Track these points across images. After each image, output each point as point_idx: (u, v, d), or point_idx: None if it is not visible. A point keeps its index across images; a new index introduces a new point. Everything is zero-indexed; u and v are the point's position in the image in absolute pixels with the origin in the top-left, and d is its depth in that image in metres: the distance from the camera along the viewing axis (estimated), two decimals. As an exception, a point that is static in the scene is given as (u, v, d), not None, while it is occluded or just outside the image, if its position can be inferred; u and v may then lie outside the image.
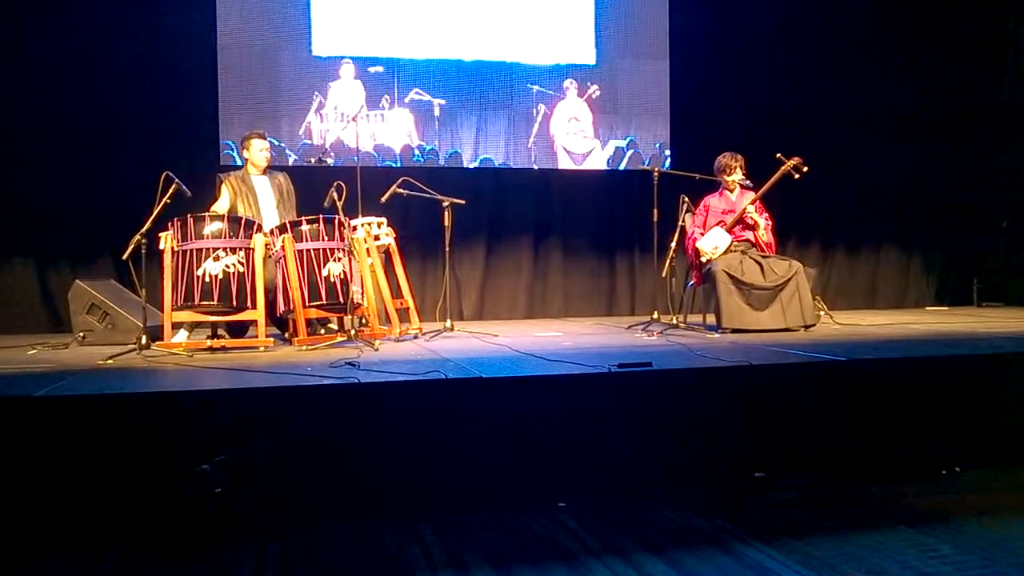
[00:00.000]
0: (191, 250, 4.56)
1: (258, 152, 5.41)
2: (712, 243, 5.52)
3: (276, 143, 6.73)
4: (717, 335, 5.17)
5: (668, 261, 5.71)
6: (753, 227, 5.61)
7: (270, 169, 5.54)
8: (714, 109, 7.62)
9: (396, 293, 5.51)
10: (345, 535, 2.86)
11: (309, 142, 6.97)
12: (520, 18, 7.37)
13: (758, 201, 5.59)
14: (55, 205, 6.41)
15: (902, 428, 3.63)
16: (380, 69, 7.11)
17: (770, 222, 5.66)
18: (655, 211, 5.91)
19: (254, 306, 4.68)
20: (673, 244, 5.72)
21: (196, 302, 4.55)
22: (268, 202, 5.41)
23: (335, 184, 5.10)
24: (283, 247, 4.76)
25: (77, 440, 2.96)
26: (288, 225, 4.84)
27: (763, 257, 5.49)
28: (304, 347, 4.64)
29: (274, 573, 2.57)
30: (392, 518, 2.98)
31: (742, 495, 3.26)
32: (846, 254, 8.13)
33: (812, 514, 3.03)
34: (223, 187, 5.37)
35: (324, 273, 4.74)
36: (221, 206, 5.28)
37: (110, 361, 4.19)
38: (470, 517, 3.00)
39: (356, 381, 3.29)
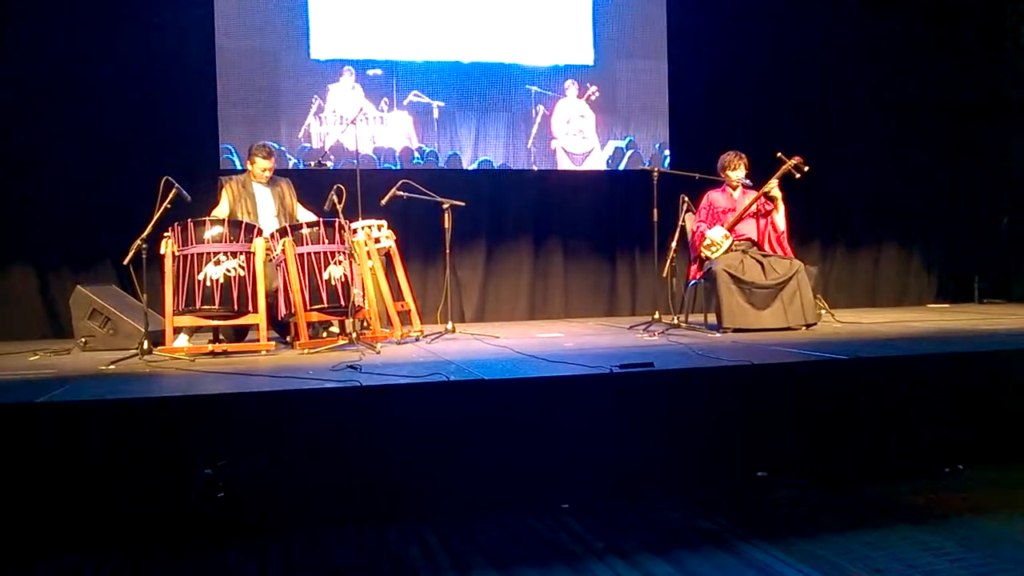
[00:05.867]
0: (192, 254, 4.57)
1: (260, 171, 5.40)
2: (720, 234, 5.53)
3: (276, 147, 6.72)
4: (718, 335, 5.17)
5: (669, 261, 5.71)
6: (767, 214, 5.62)
7: (273, 175, 5.52)
8: (713, 108, 7.62)
9: (397, 295, 5.51)
10: (348, 537, 2.86)
11: (308, 145, 6.98)
12: (518, 19, 7.37)
13: (762, 197, 5.61)
14: (55, 211, 6.41)
15: (904, 426, 3.63)
16: (379, 72, 7.11)
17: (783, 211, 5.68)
18: (655, 211, 5.91)
19: (255, 310, 4.69)
20: (674, 244, 5.72)
21: (197, 306, 4.55)
22: (267, 211, 5.40)
23: (335, 187, 5.11)
24: (284, 251, 4.76)
25: (80, 445, 2.97)
26: (288, 229, 4.84)
27: (764, 256, 5.50)
28: (306, 351, 4.64)
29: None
30: (395, 520, 2.98)
31: (745, 494, 3.26)
32: (847, 252, 8.13)
33: (815, 513, 3.02)
34: (223, 192, 5.38)
35: (325, 276, 4.74)
36: (220, 211, 5.28)
37: (112, 366, 4.19)
38: (473, 519, 3.00)
39: (358, 384, 3.29)
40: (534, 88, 7.44)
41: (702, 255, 5.63)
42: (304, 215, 5.51)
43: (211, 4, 6.76)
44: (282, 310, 4.87)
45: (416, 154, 7.22)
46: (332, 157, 6.87)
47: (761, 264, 5.40)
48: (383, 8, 7.12)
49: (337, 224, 4.87)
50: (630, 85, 7.61)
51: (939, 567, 2.45)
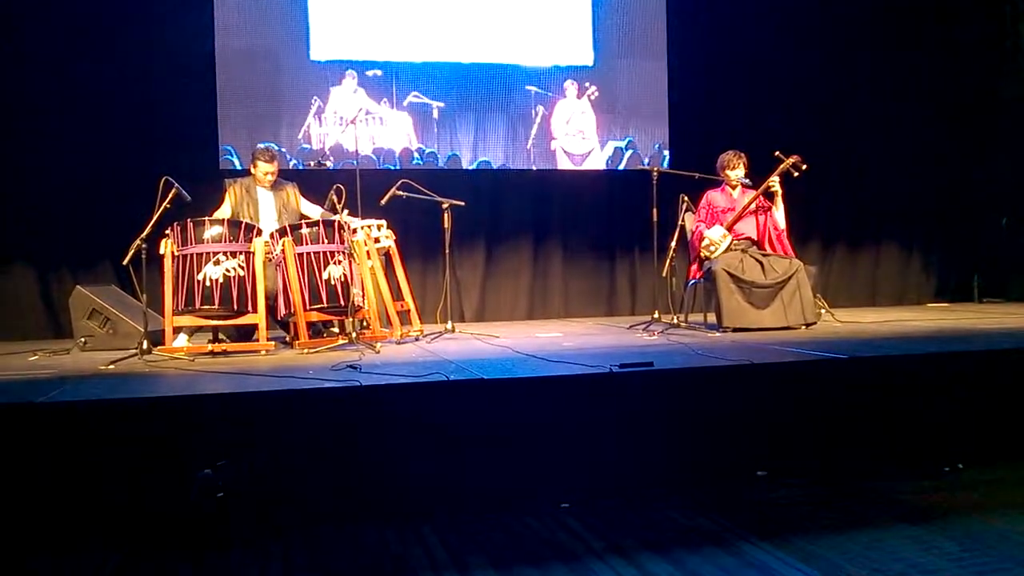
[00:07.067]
0: (191, 254, 4.57)
1: (263, 175, 5.40)
2: (718, 233, 5.54)
3: (276, 147, 6.72)
4: (718, 334, 5.17)
5: (668, 261, 5.71)
6: (767, 211, 5.62)
7: (278, 179, 5.52)
8: (713, 108, 7.62)
9: (397, 295, 5.51)
10: (347, 537, 2.87)
11: (308, 146, 6.98)
12: (517, 20, 7.37)
13: (761, 196, 5.62)
14: (55, 211, 6.42)
15: (903, 425, 3.63)
16: (378, 73, 7.11)
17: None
18: (655, 211, 5.91)
19: (255, 310, 4.69)
20: (673, 243, 5.72)
21: (197, 306, 4.56)
22: (269, 215, 5.39)
23: (335, 187, 5.10)
24: (283, 251, 4.76)
25: (79, 446, 2.97)
26: (288, 228, 4.84)
27: (763, 255, 5.50)
28: (305, 350, 4.64)
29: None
30: (394, 520, 2.98)
31: (744, 494, 3.26)
32: (847, 251, 8.13)
33: (814, 512, 3.02)
34: (227, 195, 5.38)
35: (324, 276, 4.74)
36: (222, 213, 5.28)
37: (111, 366, 4.19)
38: (472, 518, 3.00)
39: (357, 384, 3.29)
40: (533, 88, 7.43)
41: (701, 255, 5.63)
42: (311, 209, 5.49)
43: (211, 5, 6.77)
44: (282, 310, 4.87)
45: (416, 155, 7.22)
46: (332, 157, 6.86)
47: (761, 263, 5.41)
48: (382, 9, 7.12)
49: (337, 224, 4.87)
50: (630, 85, 7.61)
51: (939, 567, 2.45)
